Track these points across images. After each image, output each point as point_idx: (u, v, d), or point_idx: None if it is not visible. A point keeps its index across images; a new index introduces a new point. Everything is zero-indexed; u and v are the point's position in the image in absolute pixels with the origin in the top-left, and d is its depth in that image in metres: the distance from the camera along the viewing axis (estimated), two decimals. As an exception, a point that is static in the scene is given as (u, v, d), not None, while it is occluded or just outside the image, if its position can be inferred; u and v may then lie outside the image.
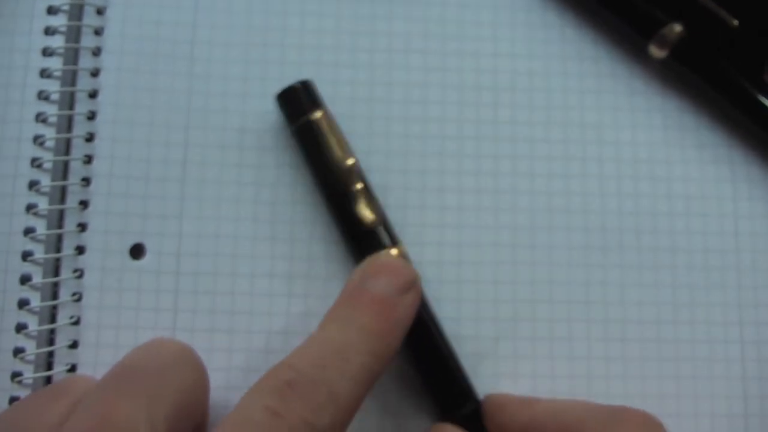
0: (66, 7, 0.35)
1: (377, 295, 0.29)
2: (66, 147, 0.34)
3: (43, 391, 0.29)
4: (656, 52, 0.36)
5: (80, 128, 0.34)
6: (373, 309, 0.29)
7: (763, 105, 0.35)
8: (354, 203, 0.33)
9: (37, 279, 0.33)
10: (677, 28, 0.35)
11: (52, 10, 0.35)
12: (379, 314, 0.29)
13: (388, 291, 0.30)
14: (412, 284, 0.30)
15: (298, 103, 0.34)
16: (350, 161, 0.33)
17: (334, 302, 0.30)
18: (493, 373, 0.34)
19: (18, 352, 0.32)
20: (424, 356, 0.32)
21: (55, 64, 0.35)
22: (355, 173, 0.33)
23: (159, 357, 0.28)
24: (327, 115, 0.34)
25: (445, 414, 0.32)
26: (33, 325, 0.33)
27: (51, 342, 0.33)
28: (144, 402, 0.25)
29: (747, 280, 0.35)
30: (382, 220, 0.33)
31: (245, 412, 0.25)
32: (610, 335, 0.34)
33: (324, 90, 0.36)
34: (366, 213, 0.32)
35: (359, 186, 0.33)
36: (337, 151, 0.33)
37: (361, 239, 0.33)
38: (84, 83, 0.35)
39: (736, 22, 0.36)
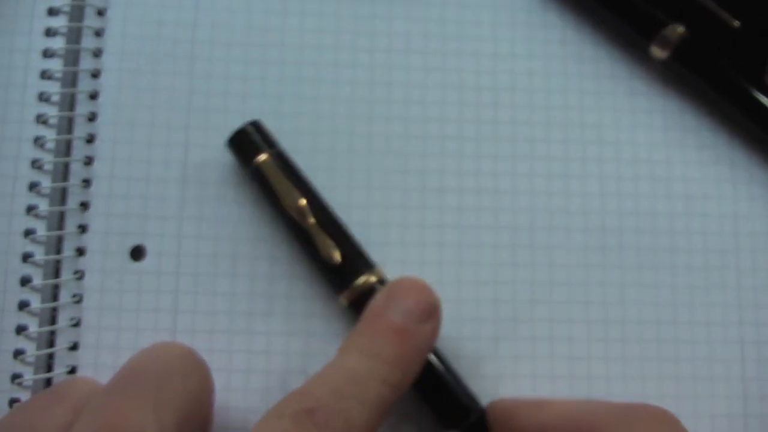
0: (67, 9, 0.35)
1: (397, 324, 0.29)
2: (66, 148, 0.34)
3: (44, 394, 0.29)
4: (657, 52, 0.36)
5: (81, 129, 0.34)
6: (392, 338, 0.29)
7: (764, 106, 0.35)
8: (313, 243, 0.32)
9: (38, 280, 0.33)
10: (679, 28, 0.35)
11: (52, 12, 0.35)
12: (398, 344, 0.29)
13: (408, 320, 0.29)
14: (433, 311, 0.30)
15: (245, 147, 0.34)
16: (301, 201, 0.33)
17: (354, 327, 0.30)
18: (493, 374, 0.34)
19: (18, 353, 0.33)
20: (421, 372, 0.31)
21: (56, 65, 0.35)
22: (309, 212, 0.33)
23: (164, 361, 0.28)
24: (273, 156, 0.33)
25: (448, 426, 0.32)
26: (33, 326, 0.33)
27: (51, 344, 0.33)
28: (151, 407, 0.25)
29: (747, 281, 0.35)
30: (348, 251, 0.33)
31: None
32: (610, 336, 0.34)
33: (324, 90, 0.36)
34: (326, 251, 0.32)
35: (313, 225, 0.32)
36: (285, 194, 0.33)
37: (330, 274, 0.33)
38: (84, 84, 0.35)
39: (737, 23, 0.36)
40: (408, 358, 0.29)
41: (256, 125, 0.34)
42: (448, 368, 0.32)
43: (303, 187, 0.33)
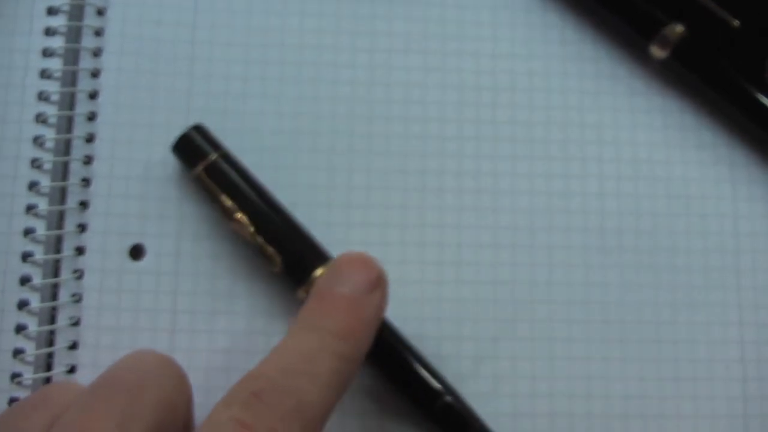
0: (66, 8, 0.35)
1: (343, 296, 0.29)
2: (66, 148, 0.34)
3: (27, 401, 0.29)
4: (657, 52, 0.36)
5: (80, 129, 0.34)
6: (340, 311, 0.28)
7: (764, 105, 0.35)
8: (259, 252, 0.32)
9: (37, 280, 0.33)
10: (678, 28, 0.35)
11: (52, 11, 0.35)
12: (346, 316, 0.28)
13: (355, 291, 0.29)
14: (379, 281, 0.30)
15: (187, 154, 0.33)
16: (237, 214, 0.32)
17: (302, 307, 0.29)
18: (492, 374, 0.34)
19: (18, 353, 0.33)
20: (384, 358, 0.32)
21: (56, 64, 0.35)
22: (248, 223, 0.32)
23: (138, 371, 0.27)
24: (210, 167, 0.33)
25: (419, 411, 0.32)
26: (33, 326, 0.33)
27: (51, 343, 0.33)
28: (118, 420, 0.25)
29: (747, 281, 0.35)
30: (299, 248, 0.32)
31: (214, 424, 0.25)
32: (610, 336, 0.34)
33: (324, 90, 0.36)
34: (268, 260, 0.32)
35: (252, 236, 0.32)
36: (222, 207, 0.33)
37: (287, 272, 0.32)
38: (84, 84, 0.35)
39: (736, 22, 0.36)
40: (358, 329, 0.29)
41: (198, 129, 0.34)
42: (415, 353, 0.32)
43: (242, 194, 0.33)
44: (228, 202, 0.32)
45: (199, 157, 0.33)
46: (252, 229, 0.32)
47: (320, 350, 0.27)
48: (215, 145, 0.33)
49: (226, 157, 0.33)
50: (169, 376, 0.28)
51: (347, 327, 0.28)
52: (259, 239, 0.32)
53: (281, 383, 0.26)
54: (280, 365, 0.27)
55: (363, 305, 0.29)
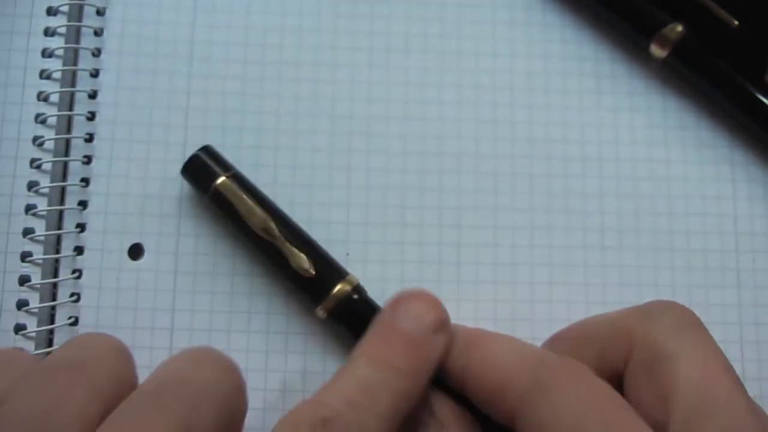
0: (65, 8, 0.35)
1: (408, 334, 0.29)
2: (65, 148, 0.34)
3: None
4: (657, 51, 0.36)
5: (79, 129, 0.35)
6: (404, 348, 0.28)
7: (764, 105, 0.35)
8: (285, 259, 0.32)
9: (36, 280, 0.33)
10: (678, 27, 0.35)
11: (51, 11, 0.35)
12: (409, 353, 0.28)
13: (420, 329, 0.29)
14: (444, 323, 0.29)
15: (200, 173, 0.33)
16: (267, 220, 0.32)
17: (365, 335, 0.29)
18: (491, 373, 0.34)
19: (17, 352, 0.33)
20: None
21: (55, 65, 0.35)
22: (275, 229, 0.32)
23: (196, 381, 0.25)
24: (231, 178, 0.33)
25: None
26: (32, 326, 0.33)
27: (50, 343, 0.33)
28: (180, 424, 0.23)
29: (747, 281, 0.35)
30: (318, 263, 0.32)
31: None
32: (610, 336, 0.34)
33: (323, 90, 0.36)
34: (300, 265, 0.32)
35: (282, 242, 0.32)
36: (250, 214, 0.32)
37: (305, 288, 0.32)
38: (83, 84, 0.35)
39: (736, 22, 0.36)
40: (419, 368, 0.28)
41: (207, 150, 0.33)
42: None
43: (265, 204, 0.33)
44: (256, 209, 0.32)
45: (214, 174, 0.33)
46: (281, 236, 0.32)
47: (381, 384, 0.27)
48: (226, 164, 0.33)
49: (239, 174, 0.33)
50: (234, 387, 0.26)
51: (408, 364, 0.28)
52: (287, 244, 0.32)
53: (347, 416, 0.26)
54: (345, 396, 0.27)
55: (426, 345, 0.29)
